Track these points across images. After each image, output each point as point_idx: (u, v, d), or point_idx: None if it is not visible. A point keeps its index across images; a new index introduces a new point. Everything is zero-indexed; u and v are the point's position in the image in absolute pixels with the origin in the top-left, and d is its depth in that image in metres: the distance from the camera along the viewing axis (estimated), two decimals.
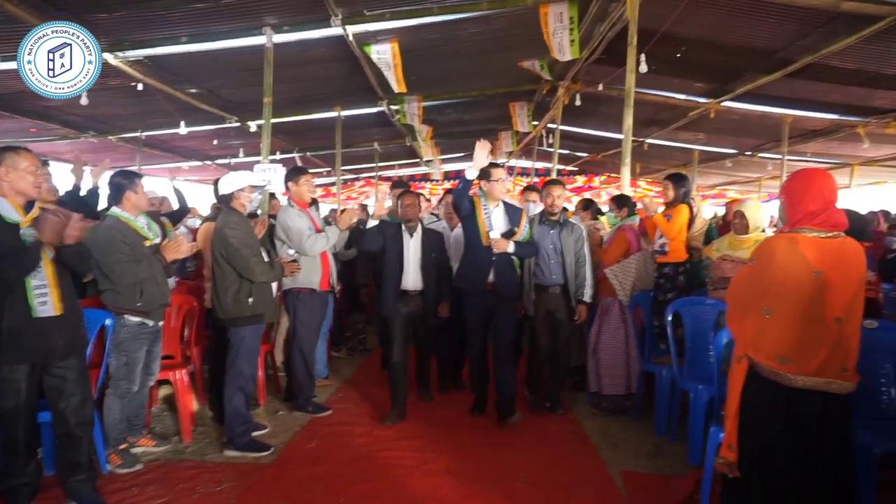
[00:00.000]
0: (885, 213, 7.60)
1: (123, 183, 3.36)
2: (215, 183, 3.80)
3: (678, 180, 4.34)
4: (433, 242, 4.40)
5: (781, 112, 8.09)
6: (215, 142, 9.95)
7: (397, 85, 6.02)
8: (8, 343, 2.54)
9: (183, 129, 7.96)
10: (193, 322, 4.20)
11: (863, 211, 6.21)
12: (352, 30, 5.40)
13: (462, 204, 4.02)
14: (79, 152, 5.33)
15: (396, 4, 5.07)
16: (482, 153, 3.77)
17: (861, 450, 2.49)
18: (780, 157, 8.66)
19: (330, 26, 5.16)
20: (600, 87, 7.69)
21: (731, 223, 4.34)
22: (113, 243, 3.21)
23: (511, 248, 3.95)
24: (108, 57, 5.48)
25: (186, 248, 3.55)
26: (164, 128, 8.90)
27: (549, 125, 10.44)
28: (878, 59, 5.84)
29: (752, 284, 2.37)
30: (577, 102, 7.85)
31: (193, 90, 7.24)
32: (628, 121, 4.69)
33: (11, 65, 4.72)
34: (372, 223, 4.26)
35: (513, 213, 4.12)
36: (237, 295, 3.57)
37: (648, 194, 14.75)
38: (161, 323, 3.49)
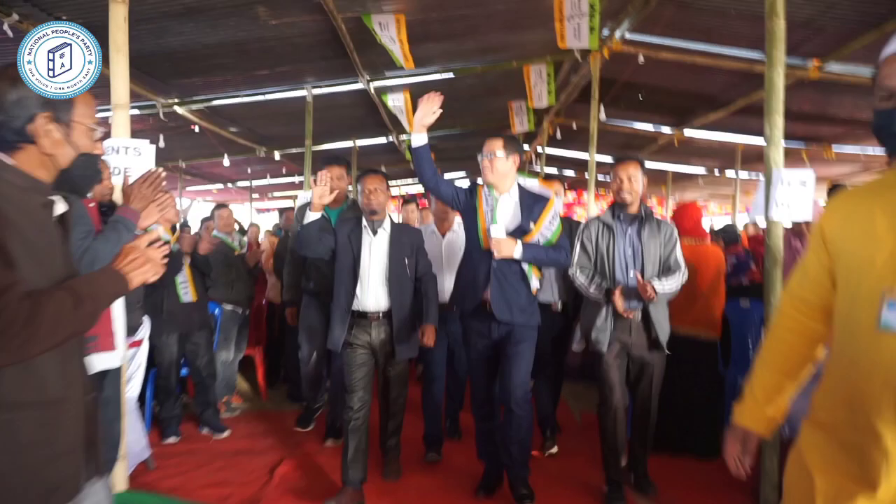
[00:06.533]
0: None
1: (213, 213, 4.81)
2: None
3: None
4: (406, 243, 3.18)
5: (734, 140, 9.49)
6: (249, 169, 11.32)
7: (410, 126, 7.36)
8: (166, 320, 3.85)
9: (226, 161, 9.33)
10: (260, 315, 5.50)
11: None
12: (373, 84, 6.76)
13: (440, 188, 2.94)
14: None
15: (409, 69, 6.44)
16: (427, 107, 2.78)
17: (731, 385, 3.80)
18: (735, 176, 10.05)
19: (357, 83, 6.54)
20: (574, 126, 9.12)
21: None
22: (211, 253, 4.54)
23: (518, 251, 2.79)
24: (178, 108, 6.85)
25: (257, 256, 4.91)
26: (203, 158, 10.29)
27: (538, 149, 11.84)
28: (800, 103, 7.25)
29: None
30: (558, 136, 9.24)
31: (234, 129, 8.61)
32: (592, 157, 6.02)
33: None
34: (313, 216, 2.95)
35: (531, 204, 2.92)
36: None
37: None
38: (248, 311, 4.80)
